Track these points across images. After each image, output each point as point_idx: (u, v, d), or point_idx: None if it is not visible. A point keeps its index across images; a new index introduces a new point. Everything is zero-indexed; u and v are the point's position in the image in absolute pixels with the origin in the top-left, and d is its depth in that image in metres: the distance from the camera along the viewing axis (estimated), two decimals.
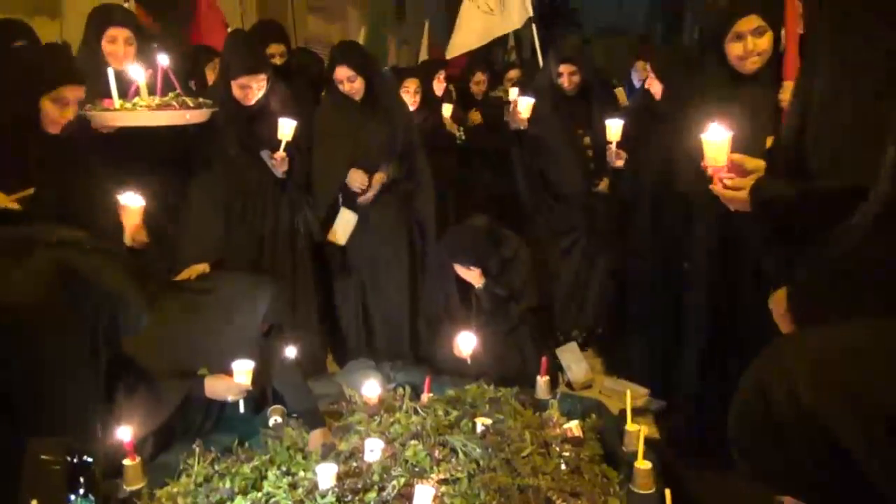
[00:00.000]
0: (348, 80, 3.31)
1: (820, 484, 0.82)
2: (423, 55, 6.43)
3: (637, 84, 4.61)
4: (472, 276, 3.29)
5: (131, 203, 2.50)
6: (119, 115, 2.51)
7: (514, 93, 4.92)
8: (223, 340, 2.61)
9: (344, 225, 3.39)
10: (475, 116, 4.72)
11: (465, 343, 3.14)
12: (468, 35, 4.93)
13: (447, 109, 4.44)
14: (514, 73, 5.21)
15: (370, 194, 3.41)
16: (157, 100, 2.58)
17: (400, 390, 3.02)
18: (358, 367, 3.31)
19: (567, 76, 3.65)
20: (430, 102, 4.25)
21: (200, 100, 2.68)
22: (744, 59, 2.40)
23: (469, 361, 3.14)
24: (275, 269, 3.22)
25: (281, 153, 3.07)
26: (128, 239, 2.48)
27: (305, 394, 2.83)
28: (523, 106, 3.65)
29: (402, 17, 9.98)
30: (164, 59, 2.70)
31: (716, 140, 1.75)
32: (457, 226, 3.53)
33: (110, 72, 2.50)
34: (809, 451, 0.81)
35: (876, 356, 0.81)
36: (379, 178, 3.40)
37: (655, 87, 3.32)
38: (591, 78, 3.77)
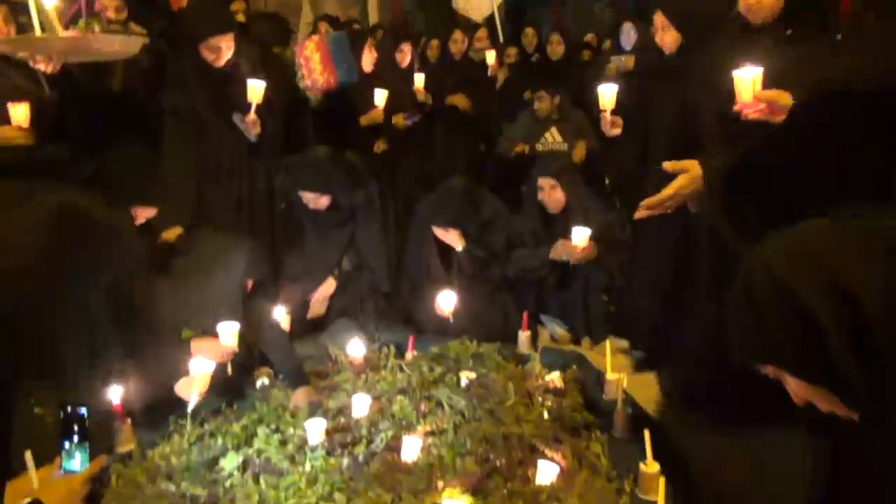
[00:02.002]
0: (314, 200, 3.30)
1: (792, 351, 0.95)
2: (373, 14, 6.32)
3: (627, 47, 4.55)
4: (451, 237, 3.32)
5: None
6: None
7: (490, 56, 4.95)
8: (204, 301, 2.64)
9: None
10: (460, 101, 4.73)
11: (446, 302, 3.19)
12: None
13: (419, 80, 4.46)
14: (482, 33, 5.20)
15: None
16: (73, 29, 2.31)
17: (384, 349, 3.07)
18: (342, 327, 3.35)
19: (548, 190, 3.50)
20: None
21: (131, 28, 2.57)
22: (750, 11, 2.41)
23: (451, 320, 3.20)
24: (252, 231, 3.22)
25: (252, 115, 3.05)
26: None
27: (290, 353, 2.87)
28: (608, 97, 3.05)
29: None
30: None
31: (746, 76, 1.79)
32: (436, 189, 3.54)
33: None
34: (782, 320, 0.94)
35: (835, 239, 0.94)
36: None
37: (668, 38, 3.22)
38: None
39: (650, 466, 2.03)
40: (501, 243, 3.34)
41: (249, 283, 2.79)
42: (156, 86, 2.94)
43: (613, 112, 3.06)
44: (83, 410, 1.62)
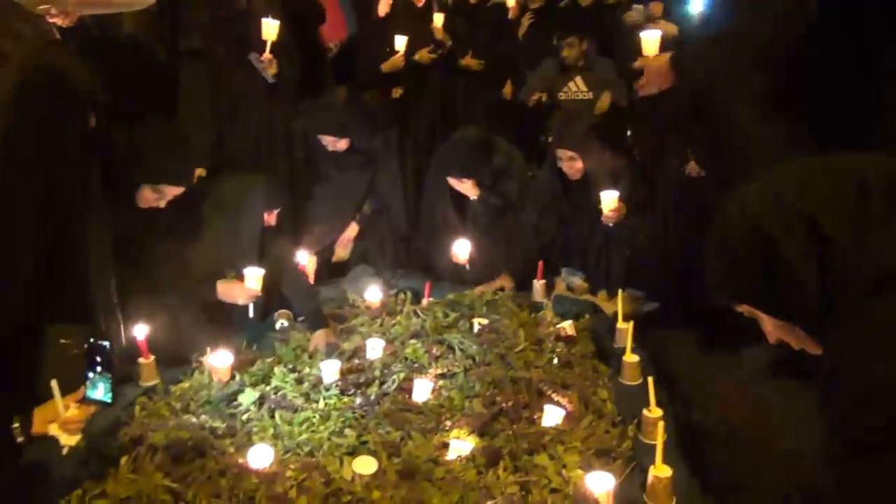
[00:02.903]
0: (332, 143, 3.31)
1: (762, 287, 0.99)
2: None
3: None
4: (466, 187, 3.33)
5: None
6: None
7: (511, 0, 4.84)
8: (228, 242, 2.73)
9: None
10: (472, 63, 4.67)
11: (462, 249, 3.23)
12: None
13: (438, 19, 4.38)
14: None
15: None
16: None
17: (401, 295, 3.13)
18: (360, 273, 3.41)
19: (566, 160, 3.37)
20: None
21: None
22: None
23: (467, 267, 3.24)
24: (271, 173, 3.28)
25: (267, 54, 3.06)
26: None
27: (310, 296, 2.95)
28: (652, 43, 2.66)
29: None
30: None
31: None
32: (449, 139, 3.53)
33: None
34: (753, 256, 0.98)
35: (806, 175, 0.98)
36: None
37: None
38: None
39: (653, 412, 2.07)
40: (516, 190, 3.34)
41: (272, 218, 2.84)
42: (167, 31, 2.96)
43: None
44: (106, 344, 1.71)
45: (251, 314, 2.76)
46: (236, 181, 2.84)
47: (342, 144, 3.30)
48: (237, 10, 3.09)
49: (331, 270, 3.45)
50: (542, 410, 2.21)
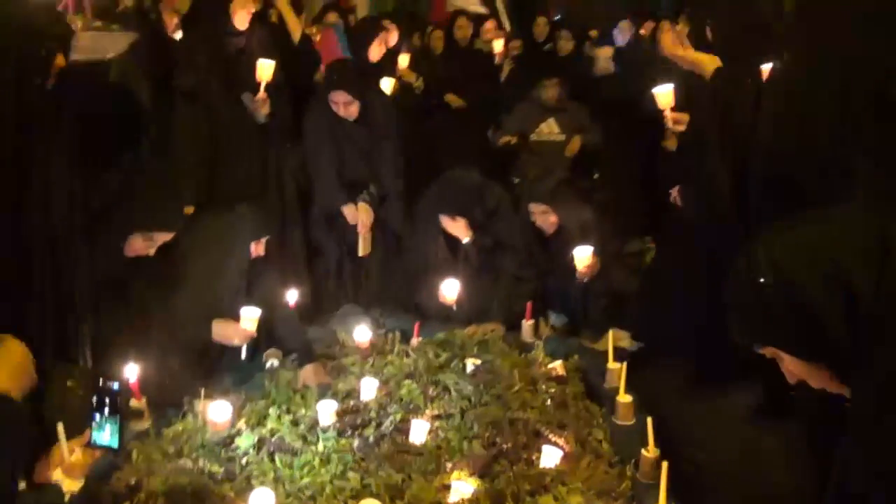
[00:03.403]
0: (345, 105, 3.33)
1: (794, 336, 1.07)
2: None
3: (620, 43, 4.63)
4: (459, 227, 3.37)
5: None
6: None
7: (498, 45, 4.99)
8: (213, 280, 2.76)
9: None
10: (453, 99, 4.78)
11: (450, 289, 3.26)
12: None
13: (404, 59, 4.49)
14: (490, 25, 5.24)
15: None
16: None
17: (390, 335, 3.14)
18: (348, 312, 3.41)
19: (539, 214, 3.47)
20: None
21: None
22: None
23: (454, 308, 3.27)
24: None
25: (262, 94, 3.09)
26: None
27: (299, 332, 2.97)
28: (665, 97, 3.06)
29: None
30: None
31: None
32: (441, 178, 3.58)
33: None
34: (786, 309, 1.04)
35: (836, 236, 1.05)
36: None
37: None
38: None
39: (651, 452, 2.11)
40: (506, 231, 3.40)
41: (260, 248, 2.87)
42: (161, 70, 2.97)
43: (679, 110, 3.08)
44: (116, 385, 1.68)
45: (243, 355, 2.74)
46: (221, 217, 2.84)
47: (353, 109, 3.33)
48: (232, 50, 3.12)
49: (312, 313, 3.44)
50: (539, 451, 2.23)
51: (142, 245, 2.51)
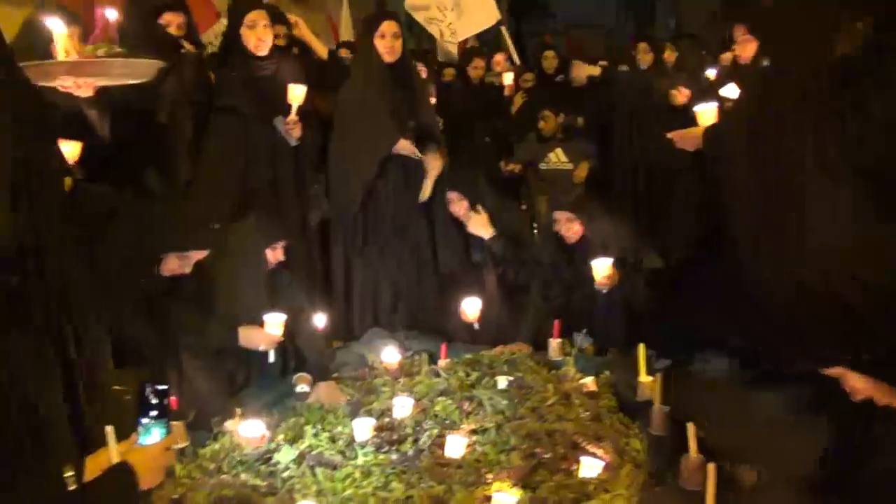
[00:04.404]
0: (393, 36, 3.40)
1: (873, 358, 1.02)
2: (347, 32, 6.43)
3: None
4: (480, 223, 3.46)
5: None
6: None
7: (508, 78, 5.11)
8: (236, 289, 2.82)
9: None
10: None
11: (471, 308, 3.28)
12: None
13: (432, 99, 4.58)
14: (500, 57, 5.37)
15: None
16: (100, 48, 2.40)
17: (417, 357, 3.16)
18: (374, 336, 3.43)
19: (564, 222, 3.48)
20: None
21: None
22: None
23: (476, 326, 3.29)
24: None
25: (293, 116, 3.15)
26: None
27: (321, 348, 3.04)
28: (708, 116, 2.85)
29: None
30: (110, 14, 2.58)
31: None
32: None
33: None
34: (841, 323, 1.01)
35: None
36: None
37: (748, 50, 3.31)
38: None
39: (694, 458, 2.11)
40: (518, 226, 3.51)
41: (279, 253, 2.92)
42: (203, 89, 3.06)
43: None
44: (164, 387, 1.68)
45: (271, 359, 2.77)
46: (233, 228, 2.89)
47: (398, 46, 3.46)
48: (265, 74, 3.19)
49: (343, 332, 3.47)
50: (578, 462, 2.23)
51: (176, 264, 2.55)
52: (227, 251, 2.82)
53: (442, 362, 3.09)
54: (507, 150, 5.14)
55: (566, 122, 4.87)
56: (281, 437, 2.42)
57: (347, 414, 2.62)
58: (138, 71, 2.45)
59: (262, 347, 2.73)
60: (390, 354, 3.09)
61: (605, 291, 3.22)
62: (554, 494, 2.07)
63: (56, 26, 2.17)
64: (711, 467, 1.87)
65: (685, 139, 2.61)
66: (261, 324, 2.74)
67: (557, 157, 4.89)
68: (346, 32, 6.43)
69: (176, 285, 2.62)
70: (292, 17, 3.74)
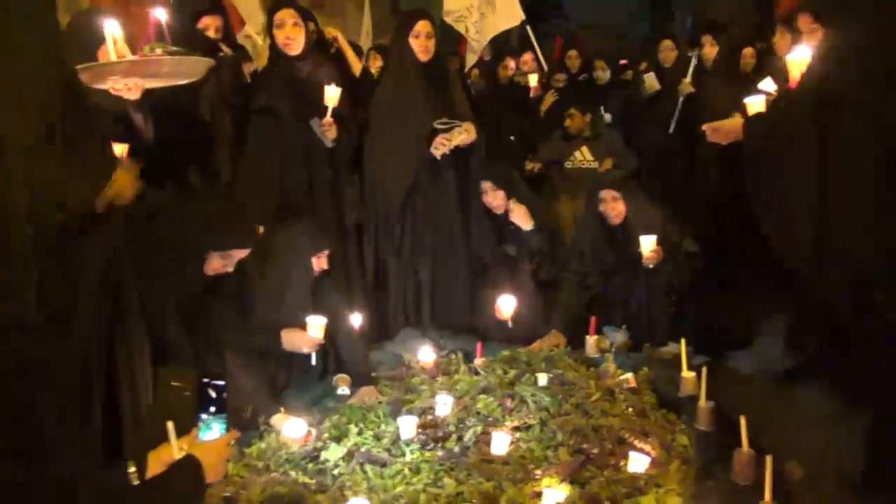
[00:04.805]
0: (427, 36, 3.42)
1: None
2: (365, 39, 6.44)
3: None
4: (520, 214, 3.49)
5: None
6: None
7: (533, 79, 5.11)
8: (279, 294, 2.83)
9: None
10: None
11: (506, 305, 3.28)
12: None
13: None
14: (528, 57, 5.37)
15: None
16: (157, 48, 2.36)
17: (452, 356, 3.16)
18: (407, 336, 3.44)
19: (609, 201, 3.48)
20: None
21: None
22: None
23: (510, 324, 3.28)
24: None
25: (328, 118, 3.16)
26: None
27: (361, 352, 3.04)
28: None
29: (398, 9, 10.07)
30: (161, 14, 2.61)
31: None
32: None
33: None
34: None
35: None
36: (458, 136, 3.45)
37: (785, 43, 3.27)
38: None
39: (746, 453, 2.10)
40: (560, 254, 3.48)
41: (323, 261, 2.93)
42: (240, 99, 3.09)
43: None
44: (221, 383, 1.69)
45: (314, 362, 2.78)
46: (280, 235, 2.90)
47: (432, 45, 3.47)
48: (300, 76, 3.21)
49: (378, 333, 3.47)
50: (626, 457, 2.22)
51: (220, 263, 2.57)
52: (273, 256, 2.85)
53: (478, 360, 3.09)
54: (532, 150, 5.13)
55: (595, 118, 4.86)
56: (326, 435, 2.42)
57: (388, 413, 2.63)
58: (195, 69, 2.45)
59: (304, 350, 2.75)
60: (426, 354, 3.09)
61: (651, 267, 3.24)
62: (605, 490, 2.06)
63: (112, 28, 2.17)
64: (769, 460, 1.86)
65: (719, 132, 2.53)
66: (303, 326, 2.75)
67: (583, 156, 4.87)
68: (367, 39, 6.45)
69: (217, 284, 2.63)
70: (332, 32, 3.75)
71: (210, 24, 3.12)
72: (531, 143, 5.09)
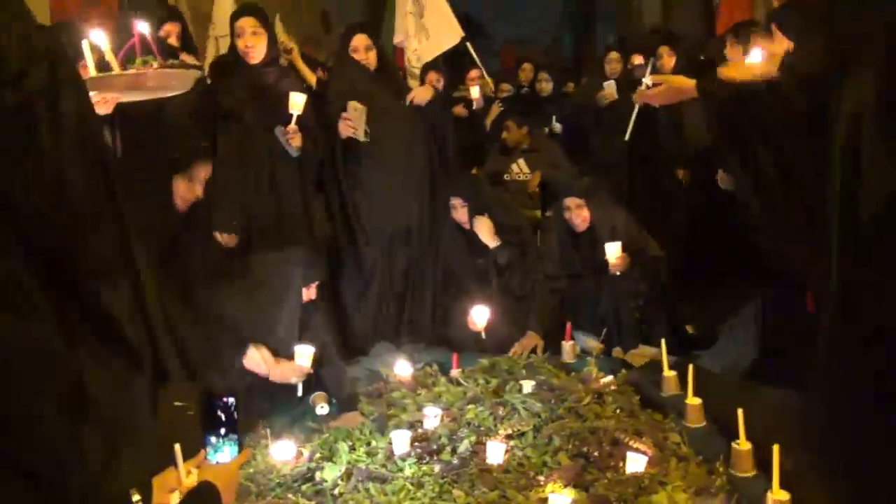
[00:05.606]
0: (366, 49, 3.42)
1: None
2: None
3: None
4: (483, 229, 3.47)
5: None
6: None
7: (475, 91, 5.13)
8: (265, 318, 2.71)
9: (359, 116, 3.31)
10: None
11: (480, 316, 3.26)
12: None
13: None
14: (475, 73, 5.40)
15: None
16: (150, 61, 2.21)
17: (427, 368, 3.11)
18: (382, 350, 3.37)
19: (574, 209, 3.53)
20: None
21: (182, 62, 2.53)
22: None
23: (483, 335, 3.26)
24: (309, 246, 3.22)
25: (293, 125, 3.08)
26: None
27: (344, 379, 2.93)
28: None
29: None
30: (143, 27, 2.56)
31: None
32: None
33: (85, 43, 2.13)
34: None
35: None
36: None
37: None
38: None
39: (743, 444, 2.14)
40: (532, 247, 3.50)
41: (311, 292, 2.82)
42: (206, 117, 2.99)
43: None
44: (231, 400, 1.57)
45: (300, 393, 2.67)
46: (273, 261, 2.80)
47: None
48: (266, 84, 3.12)
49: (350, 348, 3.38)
50: (623, 458, 2.23)
51: (186, 188, 2.47)
52: (264, 283, 2.74)
53: (455, 372, 3.05)
54: (479, 163, 5.15)
55: (533, 130, 4.90)
56: (318, 455, 2.33)
57: (374, 430, 2.56)
58: (187, 81, 2.36)
59: (293, 380, 2.66)
60: (403, 367, 3.03)
61: (618, 273, 3.30)
62: (612, 491, 2.05)
63: (100, 40, 2.05)
64: (777, 448, 1.89)
65: (663, 93, 2.44)
66: (290, 356, 2.66)
67: (519, 168, 4.90)
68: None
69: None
70: (288, 44, 3.67)
71: (171, 31, 3.00)
72: (477, 156, 5.10)
